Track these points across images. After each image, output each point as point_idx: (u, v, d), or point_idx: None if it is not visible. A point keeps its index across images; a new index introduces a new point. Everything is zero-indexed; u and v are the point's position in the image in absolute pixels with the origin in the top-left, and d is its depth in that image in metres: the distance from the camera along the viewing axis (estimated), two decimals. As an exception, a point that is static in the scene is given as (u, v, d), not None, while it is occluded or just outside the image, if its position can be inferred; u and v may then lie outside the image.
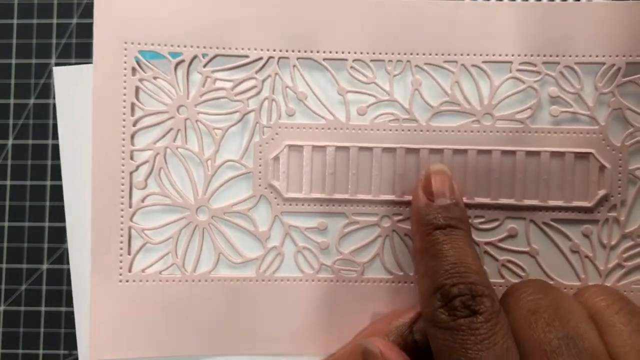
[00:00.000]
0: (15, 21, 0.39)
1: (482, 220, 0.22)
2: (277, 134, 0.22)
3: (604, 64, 0.22)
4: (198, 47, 0.22)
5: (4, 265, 0.38)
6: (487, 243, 0.22)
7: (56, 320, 0.37)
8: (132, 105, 0.22)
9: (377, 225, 0.22)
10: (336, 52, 0.22)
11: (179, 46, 0.22)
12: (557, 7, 0.21)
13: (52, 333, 0.37)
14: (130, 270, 0.22)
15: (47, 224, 0.38)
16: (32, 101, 0.38)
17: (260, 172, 0.22)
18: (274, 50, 0.22)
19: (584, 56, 0.22)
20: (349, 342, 0.21)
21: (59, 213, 0.38)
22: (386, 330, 0.20)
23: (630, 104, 0.22)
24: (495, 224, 0.22)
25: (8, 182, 0.38)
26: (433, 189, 0.20)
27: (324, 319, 0.22)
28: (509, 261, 0.22)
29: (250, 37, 0.21)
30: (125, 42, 0.22)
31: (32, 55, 0.39)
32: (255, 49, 0.22)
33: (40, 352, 0.37)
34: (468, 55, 0.21)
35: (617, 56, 0.22)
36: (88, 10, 0.39)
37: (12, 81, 0.39)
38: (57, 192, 0.38)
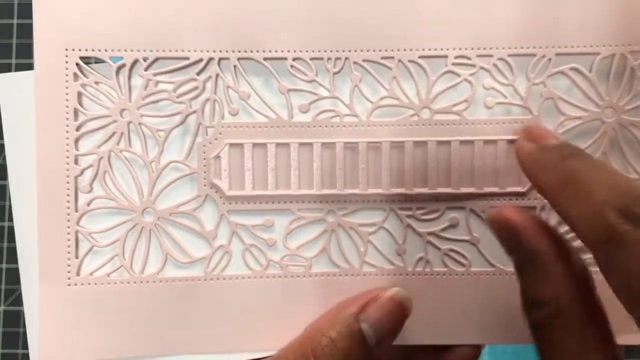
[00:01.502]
0: (15, 21, 0.39)
1: (423, 211, 0.23)
2: (220, 133, 0.22)
3: (534, 55, 0.23)
4: (138, 50, 0.22)
5: (4, 265, 0.38)
6: (429, 233, 0.23)
7: (56, 320, 0.37)
8: (75, 111, 0.22)
9: (323, 220, 0.22)
10: (276, 52, 0.22)
11: (119, 50, 0.22)
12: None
13: (52, 333, 0.37)
14: (78, 274, 0.22)
15: (47, 224, 0.38)
16: (32, 101, 0.38)
17: (204, 172, 0.22)
18: (214, 52, 0.22)
19: (515, 48, 0.23)
20: (298, 336, 0.21)
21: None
22: (333, 320, 0.20)
23: (561, 93, 0.23)
24: (437, 214, 0.23)
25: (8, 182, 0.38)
26: (536, 133, 0.20)
27: (274, 314, 0.22)
28: (452, 250, 0.23)
29: (189, 39, 0.22)
30: (66, 49, 0.21)
31: (32, 55, 0.39)
32: (196, 51, 0.22)
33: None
34: (405, 50, 0.22)
35: (547, 47, 0.23)
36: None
37: (12, 81, 0.39)
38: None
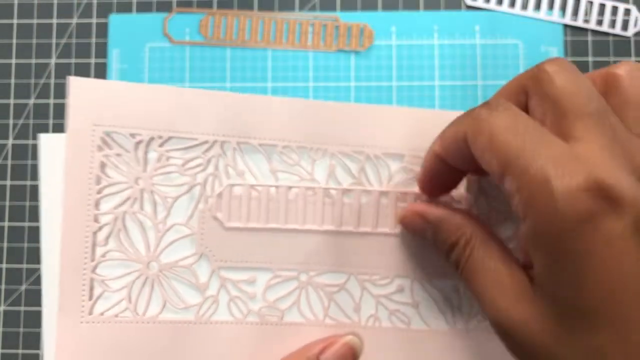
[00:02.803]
0: (15, 21, 0.39)
1: (377, 277, 0.28)
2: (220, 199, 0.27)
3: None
4: (155, 130, 0.26)
5: (4, 265, 0.38)
6: (380, 295, 0.28)
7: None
8: (97, 177, 0.26)
9: (296, 279, 0.27)
10: (269, 140, 0.27)
11: (138, 129, 0.26)
12: (424, 113, 0.28)
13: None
14: (90, 313, 0.26)
15: (47, 224, 0.38)
16: (32, 101, 0.38)
17: (202, 234, 0.27)
18: (218, 136, 0.27)
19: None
20: None
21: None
22: (300, 358, 0.25)
23: (491, 194, 0.28)
24: (388, 280, 0.27)
25: (8, 182, 0.38)
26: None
27: (250, 355, 0.27)
28: (397, 310, 0.28)
29: (198, 125, 0.27)
30: (94, 125, 0.26)
31: (32, 55, 0.39)
32: (202, 134, 0.27)
33: (40, 352, 0.37)
34: (370, 147, 0.27)
35: None
36: (88, 11, 0.39)
37: (12, 81, 0.39)
38: (57, 192, 0.38)
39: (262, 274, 0.27)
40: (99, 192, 0.26)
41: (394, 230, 0.27)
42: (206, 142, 0.26)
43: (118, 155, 0.26)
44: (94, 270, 0.26)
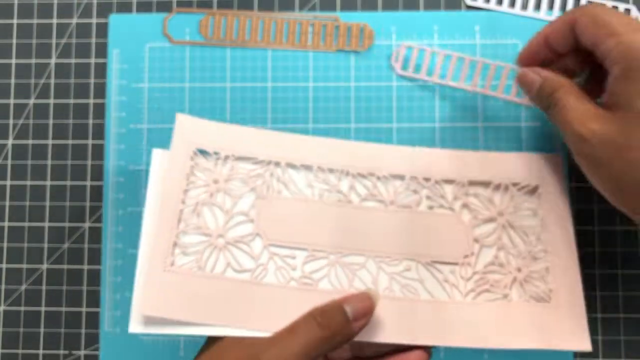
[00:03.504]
0: (15, 21, 0.39)
1: (389, 260, 0.35)
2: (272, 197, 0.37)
3: (454, 180, 0.37)
4: (229, 150, 0.36)
5: (4, 265, 0.38)
6: (393, 273, 0.35)
7: (56, 320, 0.37)
8: (187, 175, 0.35)
9: (326, 258, 0.35)
10: (308, 162, 0.37)
11: (219, 149, 0.36)
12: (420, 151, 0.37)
13: (52, 333, 0.37)
14: (172, 265, 0.34)
15: (47, 224, 0.38)
16: (32, 101, 0.38)
17: (258, 220, 0.35)
18: (272, 157, 0.36)
19: (445, 176, 0.37)
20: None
21: (58, 213, 0.38)
22: (329, 303, 0.31)
23: (473, 202, 0.36)
24: (397, 262, 0.35)
25: (8, 182, 0.38)
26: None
27: (291, 312, 0.32)
28: (407, 285, 0.35)
29: (258, 150, 0.36)
30: (188, 144, 0.36)
31: (32, 55, 0.39)
32: (262, 156, 0.36)
33: (40, 352, 0.37)
34: (380, 169, 0.36)
35: (462, 177, 0.36)
36: (88, 11, 0.39)
37: (12, 81, 0.39)
38: (57, 192, 0.38)
39: (300, 253, 0.35)
40: (187, 185, 0.35)
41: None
42: (264, 160, 0.36)
43: (203, 164, 0.36)
44: (177, 236, 0.34)
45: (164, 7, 0.38)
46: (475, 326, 0.33)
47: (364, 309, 0.31)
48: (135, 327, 0.33)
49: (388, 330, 0.33)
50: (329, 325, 0.30)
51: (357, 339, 0.31)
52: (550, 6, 0.37)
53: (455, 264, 0.35)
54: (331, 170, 0.37)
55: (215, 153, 0.36)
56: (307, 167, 0.37)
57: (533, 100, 0.34)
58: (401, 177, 0.36)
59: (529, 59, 0.34)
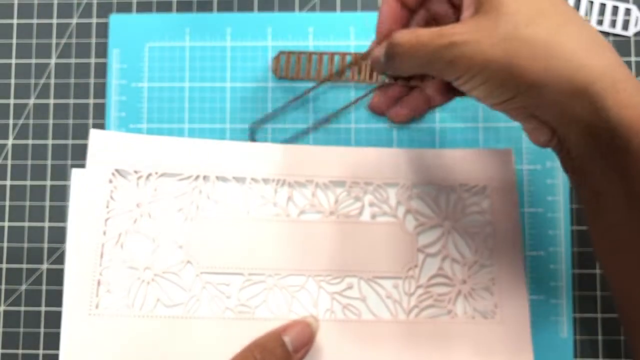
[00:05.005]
0: (15, 21, 0.39)
1: (329, 278, 0.34)
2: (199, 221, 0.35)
3: (398, 184, 0.35)
4: (151, 167, 0.34)
5: (4, 265, 0.38)
6: (334, 292, 0.33)
7: (56, 320, 0.37)
8: (107, 202, 0.33)
9: (264, 282, 0.33)
10: (240, 173, 0.35)
11: (139, 168, 0.34)
12: (360, 152, 0.35)
13: (52, 333, 0.37)
14: (97, 307, 0.32)
15: (47, 224, 0.38)
16: (32, 101, 0.38)
17: (188, 246, 0.33)
18: (201, 171, 0.34)
19: (388, 178, 0.35)
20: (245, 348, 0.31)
21: (59, 213, 0.38)
22: (268, 334, 0.31)
23: (417, 207, 0.35)
24: (339, 280, 0.34)
25: (8, 182, 0.38)
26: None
27: (228, 345, 0.31)
28: (349, 304, 0.33)
29: (184, 163, 0.34)
30: (106, 164, 0.34)
31: (32, 55, 0.39)
32: (188, 170, 0.34)
33: (40, 352, 0.37)
34: (319, 176, 0.35)
35: (406, 179, 0.35)
36: (88, 11, 0.39)
37: (12, 81, 0.39)
38: (57, 192, 0.38)
39: (235, 278, 0.33)
40: (107, 212, 0.33)
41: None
42: (190, 176, 0.34)
43: (123, 186, 0.34)
44: (100, 273, 0.32)
45: (164, 7, 0.38)
46: (416, 348, 0.32)
47: (303, 338, 0.31)
48: None
49: (330, 356, 0.32)
50: None
51: None
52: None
53: (399, 277, 0.34)
54: (266, 181, 0.34)
55: (136, 172, 0.33)
56: (240, 180, 0.34)
57: (427, 64, 0.27)
58: (342, 184, 0.34)
59: (387, 27, 0.30)
